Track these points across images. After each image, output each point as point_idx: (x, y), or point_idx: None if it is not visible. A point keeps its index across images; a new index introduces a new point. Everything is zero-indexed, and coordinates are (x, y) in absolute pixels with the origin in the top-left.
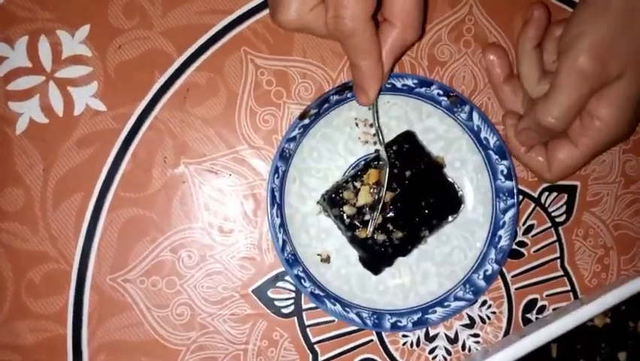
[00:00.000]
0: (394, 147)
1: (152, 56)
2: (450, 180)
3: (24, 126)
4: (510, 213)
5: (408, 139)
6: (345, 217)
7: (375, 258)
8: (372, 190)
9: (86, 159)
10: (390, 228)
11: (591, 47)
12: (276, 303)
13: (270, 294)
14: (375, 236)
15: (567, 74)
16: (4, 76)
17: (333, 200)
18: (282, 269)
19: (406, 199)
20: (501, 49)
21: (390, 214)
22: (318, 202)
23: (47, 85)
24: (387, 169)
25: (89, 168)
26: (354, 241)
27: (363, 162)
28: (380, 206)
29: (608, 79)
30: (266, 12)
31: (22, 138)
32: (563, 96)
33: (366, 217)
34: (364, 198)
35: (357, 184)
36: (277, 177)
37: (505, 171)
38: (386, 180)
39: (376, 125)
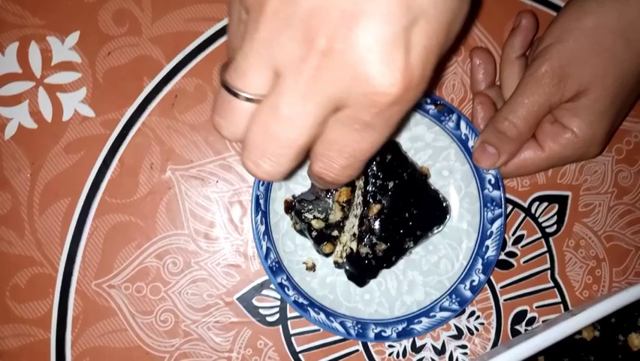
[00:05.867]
0: (377, 158)
1: (141, 62)
2: (435, 190)
3: (13, 131)
4: (497, 223)
5: (391, 149)
6: (312, 230)
7: (359, 270)
8: (344, 208)
9: (73, 165)
10: (374, 240)
11: (555, 59)
12: (261, 311)
13: (255, 302)
14: (359, 249)
15: (528, 81)
16: None
17: (301, 211)
18: (268, 277)
19: (389, 211)
20: (488, 54)
21: (374, 226)
22: (288, 211)
23: (37, 90)
24: (362, 183)
25: (76, 173)
26: (320, 253)
27: None
28: (348, 223)
29: (566, 92)
30: None
31: (10, 142)
32: (520, 101)
33: (334, 233)
34: (335, 215)
35: (330, 201)
36: (262, 185)
37: (493, 181)
38: (360, 196)
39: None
